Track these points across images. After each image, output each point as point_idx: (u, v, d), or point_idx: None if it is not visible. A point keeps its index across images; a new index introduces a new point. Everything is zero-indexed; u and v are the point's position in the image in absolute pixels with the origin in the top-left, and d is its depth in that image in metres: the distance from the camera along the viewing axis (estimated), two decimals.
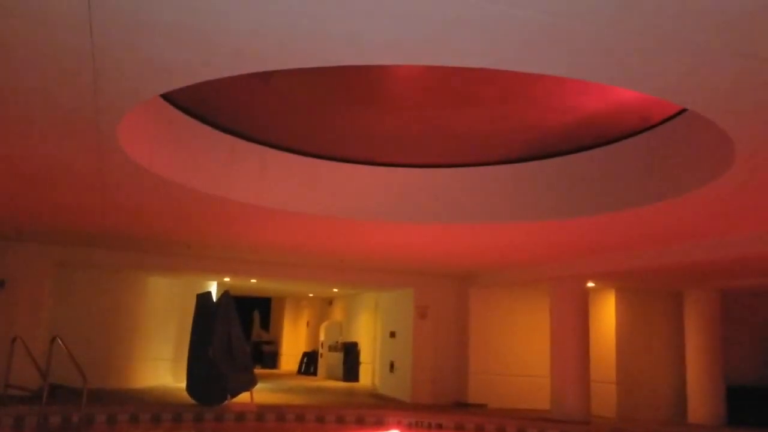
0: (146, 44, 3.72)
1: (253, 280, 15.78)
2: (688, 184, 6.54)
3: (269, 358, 24.90)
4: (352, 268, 13.92)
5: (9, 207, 8.79)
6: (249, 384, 11.22)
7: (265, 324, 26.94)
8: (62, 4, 3.30)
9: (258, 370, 22.12)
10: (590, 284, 12.36)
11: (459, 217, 8.46)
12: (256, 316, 26.54)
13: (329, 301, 23.17)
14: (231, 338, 11.23)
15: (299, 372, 22.00)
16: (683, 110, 6.36)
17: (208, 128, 7.39)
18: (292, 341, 24.69)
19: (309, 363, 21.76)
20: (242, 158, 7.78)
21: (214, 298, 12.18)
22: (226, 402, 10.98)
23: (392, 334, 15.34)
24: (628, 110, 6.76)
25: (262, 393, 13.36)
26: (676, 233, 8.65)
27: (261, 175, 7.93)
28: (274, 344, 25.60)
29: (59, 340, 9.76)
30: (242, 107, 7.52)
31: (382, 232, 9.45)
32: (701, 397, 12.75)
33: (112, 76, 4.17)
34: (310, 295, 22.31)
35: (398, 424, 10.98)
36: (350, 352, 19.18)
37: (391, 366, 15.15)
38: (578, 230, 8.73)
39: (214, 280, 16.27)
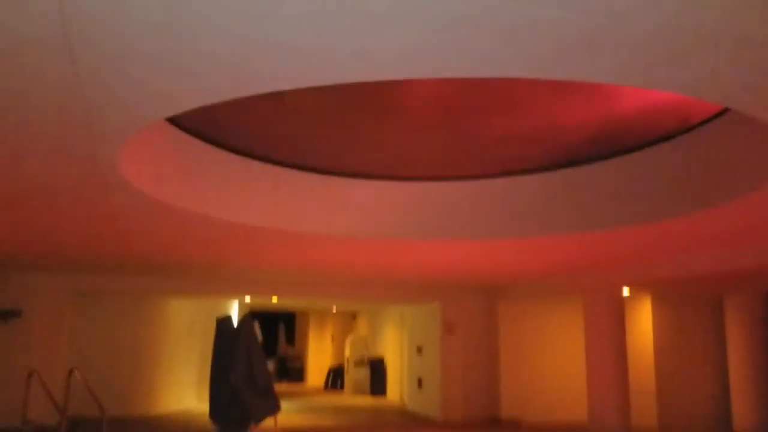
0: (134, 71, 3.37)
1: (275, 300, 15.46)
2: (733, 189, 6.06)
3: (295, 373, 24.63)
4: (375, 285, 13.55)
5: (19, 236, 8.54)
6: (272, 410, 10.84)
7: (290, 339, 26.67)
8: (36, 30, 2.96)
9: (284, 386, 21.92)
10: (625, 293, 11.86)
11: (487, 232, 8.02)
12: (282, 331, 26.29)
13: (353, 316, 22.82)
14: (252, 363, 10.86)
15: (326, 387, 21.66)
16: (725, 110, 5.89)
17: (217, 150, 7.05)
18: (318, 356, 24.35)
19: (335, 378, 21.42)
20: (255, 179, 7.44)
21: (235, 322, 11.84)
22: (249, 428, 10.63)
23: (419, 350, 14.90)
24: (666, 112, 6.29)
25: (288, 414, 13.00)
26: (719, 240, 8.14)
27: (275, 197, 7.58)
28: (300, 359, 25.30)
29: (76, 373, 9.51)
30: (253, 126, 7.18)
31: (406, 250, 9.07)
32: (746, 404, 12.24)
33: (104, 104, 3.83)
34: (334, 309, 21.98)
35: None
36: (377, 368, 18.77)
37: (419, 382, 14.71)
38: (615, 241, 8.27)
39: (234, 300, 15.98)
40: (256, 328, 16.16)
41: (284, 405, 13.16)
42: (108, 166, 4.97)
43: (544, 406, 13.22)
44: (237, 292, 13.80)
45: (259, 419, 10.75)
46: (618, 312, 11.55)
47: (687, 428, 12.26)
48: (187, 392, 14.76)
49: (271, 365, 22.91)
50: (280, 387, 19.86)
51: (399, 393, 17.54)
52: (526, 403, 13.33)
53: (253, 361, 10.87)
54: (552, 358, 13.63)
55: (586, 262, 10.34)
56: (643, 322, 13.09)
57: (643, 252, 9.22)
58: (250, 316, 11.77)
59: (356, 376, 19.57)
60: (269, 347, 24.80)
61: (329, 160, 7.92)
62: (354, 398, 18.39)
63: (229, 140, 7.14)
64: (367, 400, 17.70)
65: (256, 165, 7.50)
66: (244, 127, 7.06)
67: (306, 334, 25.12)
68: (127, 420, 11.79)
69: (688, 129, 6.34)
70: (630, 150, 7.14)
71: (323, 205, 8.01)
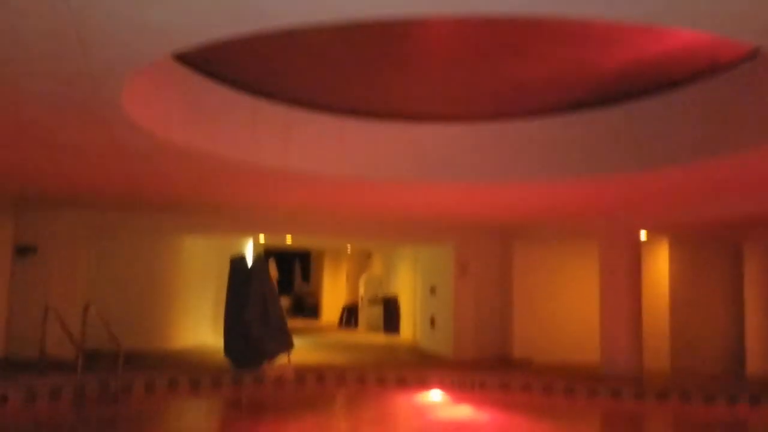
0: (129, 6, 3.21)
1: (288, 238, 15.51)
2: (760, 134, 5.84)
3: (310, 310, 25.01)
4: (388, 225, 13.49)
5: (31, 174, 8.52)
6: (285, 347, 11.02)
7: (306, 277, 26.99)
8: None
9: (299, 323, 22.28)
10: (643, 236, 11.73)
11: (502, 174, 7.86)
12: (297, 268, 26.57)
13: (368, 255, 22.94)
14: (266, 302, 10.98)
15: (340, 325, 21.98)
16: (753, 54, 5.62)
17: (227, 89, 6.90)
18: (333, 294, 24.65)
19: (350, 316, 21.71)
20: (266, 119, 7.31)
21: (249, 260, 11.93)
22: (263, 365, 10.83)
23: (432, 290, 14.96)
24: (694, 51, 6.00)
25: (302, 351, 13.21)
26: (741, 185, 7.92)
27: (287, 137, 7.45)
28: (315, 297, 25.65)
29: (92, 308, 9.65)
30: (265, 65, 6.99)
31: (421, 192, 8.94)
32: (761, 348, 12.18)
33: (100, 41, 3.69)
34: (349, 248, 22.08)
35: (440, 384, 10.69)
36: (390, 306, 18.95)
37: (432, 322, 14.83)
38: (633, 184, 8.08)
39: (249, 238, 16.04)
40: (271, 267, 16.35)
41: (298, 341, 13.37)
42: (110, 104, 4.85)
43: (555, 347, 13.27)
44: (251, 230, 13.82)
45: (273, 357, 10.95)
46: (634, 255, 11.43)
47: (700, 371, 12.29)
48: (202, 327, 15.00)
49: (286, 302, 23.27)
50: (295, 323, 20.22)
51: (412, 332, 17.74)
52: (538, 344, 13.38)
53: (267, 300, 11.00)
54: (565, 299, 13.61)
55: (604, 205, 10.18)
56: (660, 265, 12.98)
57: (661, 196, 9.03)
58: (264, 255, 11.87)
59: (370, 314, 19.79)
60: (285, 285, 25.13)
61: (343, 100, 7.74)
62: (367, 336, 18.65)
63: (239, 79, 6.98)
64: (380, 338, 17.94)
65: (267, 104, 7.36)
66: (256, 66, 6.88)
67: (321, 272, 25.37)
68: (143, 354, 12.02)
69: (716, 71, 6.07)
70: (653, 92, 6.89)
71: (336, 146, 7.87)
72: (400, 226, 13.67)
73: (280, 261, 23.92)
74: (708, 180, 7.69)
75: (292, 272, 26.49)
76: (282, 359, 11.12)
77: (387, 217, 12.36)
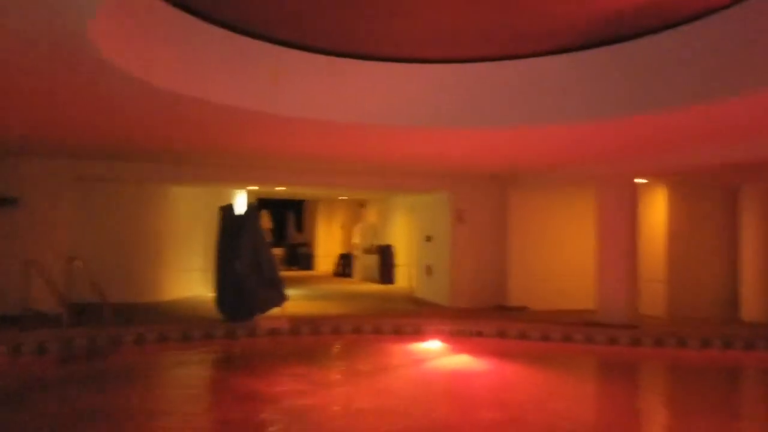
0: None
1: (281, 188, 15.14)
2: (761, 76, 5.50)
3: (305, 260, 24.82)
4: (382, 174, 13.18)
5: (11, 121, 8.07)
6: (278, 300, 10.79)
7: (299, 227, 26.71)
8: None
9: (294, 272, 22.13)
10: (641, 180, 11.48)
11: (495, 118, 7.49)
12: (291, 219, 26.27)
13: (361, 204, 22.66)
14: (258, 253, 10.69)
15: (335, 274, 21.82)
16: None
17: (213, 27, 6.43)
18: (327, 243, 24.42)
19: (345, 265, 21.55)
20: (253, 60, 6.86)
21: (237, 210, 11.57)
22: (255, 317, 10.61)
23: (428, 239, 14.73)
24: None
25: (297, 301, 13.01)
26: (739, 129, 7.61)
27: (276, 79, 7.01)
28: (309, 247, 25.42)
29: (78, 262, 9.36)
30: (253, 3, 6.50)
31: (415, 138, 8.58)
32: (756, 294, 12.19)
33: None
34: (343, 197, 21.76)
35: (438, 333, 10.55)
36: (385, 255, 18.76)
37: (428, 270, 14.65)
38: (634, 129, 7.76)
39: (239, 189, 15.65)
40: (264, 218, 16.03)
41: (293, 292, 13.17)
42: (82, 41, 4.43)
43: (550, 295, 13.19)
44: (242, 180, 13.42)
45: (265, 310, 10.72)
46: (631, 202, 11.29)
47: (695, 317, 12.23)
48: (194, 279, 14.74)
49: (280, 253, 23.02)
50: (289, 274, 20.07)
51: (408, 281, 17.60)
52: (533, 292, 13.30)
53: (259, 251, 10.71)
54: (561, 247, 13.47)
55: (600, 151, 9.88)
56: (658, 211, 12.80)
57: (658, 141, 8.73)
58: (255, 204, 11.54)
59: (365, 262, 19.61)
60: (279, 235, 24.87)
61: (336, 40, 7.27)
62: (362, 285, 18.50)
63: (226, 16, 6.50)
64: (375, 287, 17.80)
65: (255, 44, 6.90)
66: (246, 5, 6.39)
67: (315, 221, 25.09)
68: (132, 307, 11.78)
69: (712, 12, 5.69)
70: (649, 34, 6.51)
71: (328, 90, 7.46)
72: (396, 176, 13.39)
73: (273, 211, 23.60)
74: (705, 124, 7.38)
75: (286, 222, 26.19)
76: (275, 310, 10.90)
77: (382, 166, 12.00)
